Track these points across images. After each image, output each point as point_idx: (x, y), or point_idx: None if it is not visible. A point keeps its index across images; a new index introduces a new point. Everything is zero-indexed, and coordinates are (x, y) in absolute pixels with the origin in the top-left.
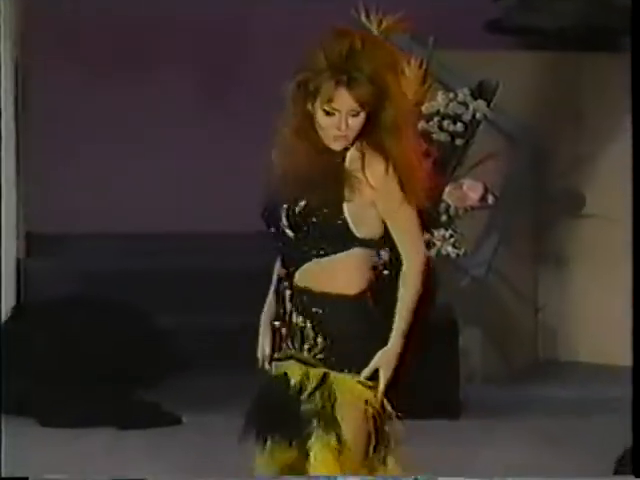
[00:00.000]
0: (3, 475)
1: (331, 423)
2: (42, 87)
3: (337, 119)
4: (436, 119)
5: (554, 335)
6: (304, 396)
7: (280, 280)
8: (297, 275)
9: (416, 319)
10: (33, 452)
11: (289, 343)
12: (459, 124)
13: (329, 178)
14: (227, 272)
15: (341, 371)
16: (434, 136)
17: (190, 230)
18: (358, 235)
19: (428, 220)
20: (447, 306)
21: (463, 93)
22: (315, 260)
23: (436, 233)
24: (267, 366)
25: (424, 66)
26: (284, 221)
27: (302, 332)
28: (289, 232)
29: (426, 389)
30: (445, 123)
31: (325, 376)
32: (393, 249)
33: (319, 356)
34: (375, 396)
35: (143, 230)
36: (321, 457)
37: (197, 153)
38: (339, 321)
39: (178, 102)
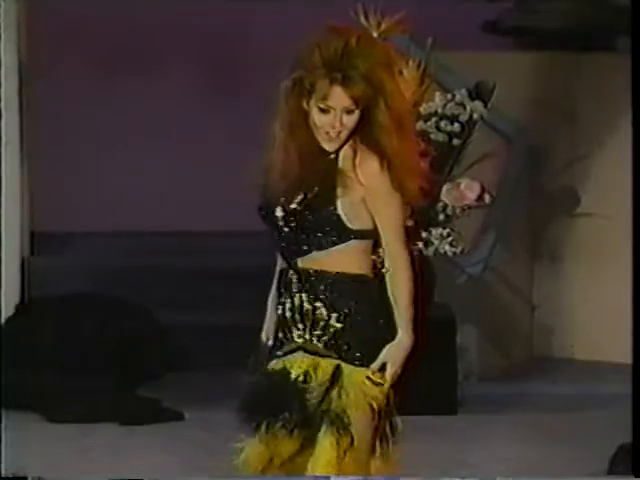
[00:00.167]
0: (7, 468)
1: (343, 422)
2: (46, 87)
3: (332, 116)
4: (434, 119)
5: (550, 332)
6: (312, 388)
7: (282, 272)
8: (300, 262)
9: (418, 314)
10: (38, 447)
11: (298, 331)
12: (456, 124)
13: (323, 175)
14: (230, 270)
15: (352, 362)
16: (432, 136)
17: (193, 228)
18: (353, 228)
19: (426, 219)
20: (444, 303)
21: (460, 94)
22: (314, 252)
23: (434, 231)
24: (272, 356)
25: (422, 67)
26: (280, 217)
27: (314, 315)
28: (285, 228)
29: (424, 385)
30: (443, 123)
31: (337, 368)
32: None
33: (330, 342)
34: (381, 392)
35: (146, 228)
36: (327, 456)
37: (199, 153)
38: (349, 297)
39: (181, 102)
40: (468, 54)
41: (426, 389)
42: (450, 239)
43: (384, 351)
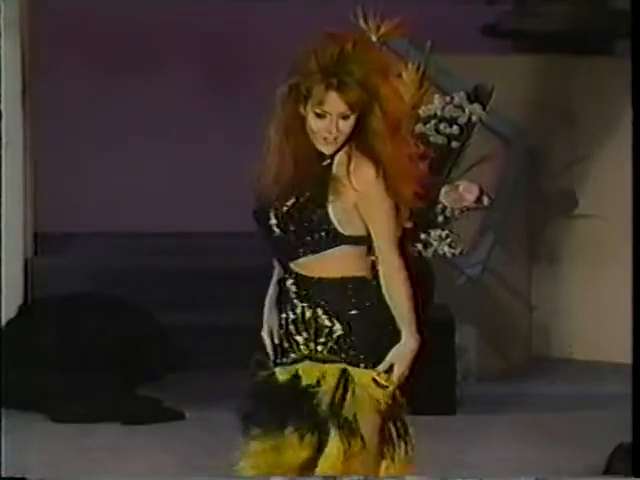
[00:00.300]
0: (8, 467)
1: (351, 425)
2: (48, 88)
3: (328, 122)
4: (433, 122)
5: (548, 333)
6: (321, 392)
7: (280, 282)
8: (295, 267)
9: (421, 316)
10: (40, 446)
11: (303, 340)
12: (455, 127)
13: (316, 180)
14: (230, 270)
15: (358, 364)
16: (431, 139)
17: (193, 229)
18: (345, 234)
19: (425, 221)
20: (443, 304)
21: (459, 97)
22: (306, 257)
23: (433, 233)
24: (277, 367)
25: (421, 70)
26: (273, 221)
27: (316, 323)
28: (279, 231)
29: (423, 386)
30: (442, 126)
31: (344, 372)
32: None
33: (335, 348)
34: (387, 394)
35: (147, 229)
36: (336, 459)
37: (199, 153)
38: (349, 301)
39: (181, 102)
40: (467, 57)
41: (425, 389)
42: (449, 241)
43: (391, 353)
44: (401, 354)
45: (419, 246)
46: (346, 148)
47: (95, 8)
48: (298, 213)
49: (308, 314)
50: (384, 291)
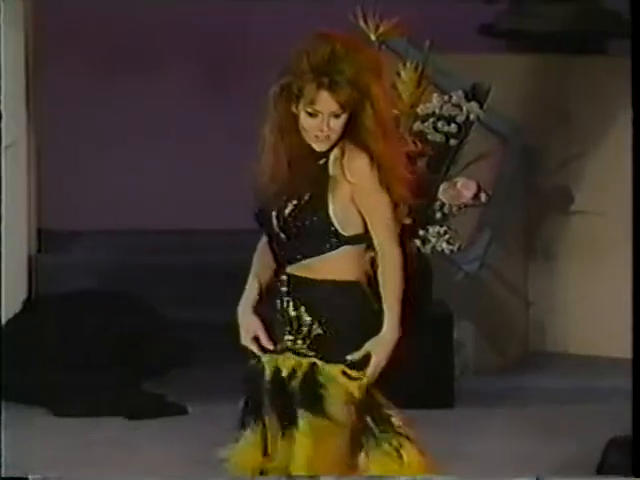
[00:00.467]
0: (10, 461)
1: (318, 410)
2: (51, 87)
3: (319, 120)
4: (431, 120)
5: (544, 328)
6: (293, 385)
7: (274, 274)
8: (291, 268)
9: (408, 309)
10: (44, 440)
11: (286, 333)
12: (453, 125)
13: (314, 181)
14: (232, 267)
15: (329, 361)
16: (429, 136)
17: (196, 227)
18: (345, 234)
19: (423, 217)
20: (441, 300)
21: (457, 95)
22: (308, 259)
23: (431, 229)
24: (262, 358)
25: (420, 69)
26: (275, 224)
27: (298, 321)
28: (281, 235)
29: (422, 380)
30: (440, 124)
31: (313, 366)
32: None
33: (312, 346)
34: (359, 387)
35: (150, 227)
36: (306, 446)
37: (200, 153)
38: (335, 307)
39: (181, 102)
40: (464, 56)
41: (423, 383)
42: (447, 237)
43: (369, 342)
44: (379, 343)
45: (417, 242)
46: (340, 144)
47: (95, 8)
48: (300, 216)
49: (292, 311)
50: (379, 280)
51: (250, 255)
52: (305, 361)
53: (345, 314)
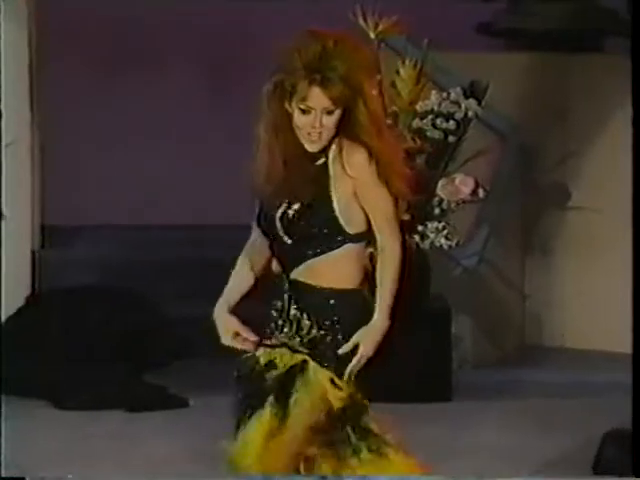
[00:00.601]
0: (13, 454)
1: (286, 409)
2: (55, 85)
3: (312, 117)
4: (430, 117)
5: (541, 322)
6: (274, 374)
7: (274, 276)
8: (293, 272)
9: (400, 301)
10: (46, 433)
11: (284, 330)
12: (452, 122)
13: (314, 181)
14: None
15: (321, 364)
16: (428, 133)
17: (199, 222)
18: (349, 231)
19: (422, 213)
20: (440, 295)
21: (456, 92)
22: (311, 260)
23: (430, 225)
24: (257, 352)
25: (418, 67)
26: (279, 227)
27: (298, 324)
28: (286, 238)
29: (420, 373)
30: (438, 121)
31: (304, 363)
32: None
33: (308, 345)
34: (340, 399)
35: (153, 222)
36: (259, 430)
37: (201, 153)
38: (332, 312)
39: (181, 102)
40: (463, 54)
41: (422, 377)
42: (445, 232)
43: (359, 332)
44: (369, 333)
45: (416, 238)
46: (337, 141)
47: (95, 8)
48: (304, 215)
49: (292, 312)
50: (377, 271)
51: None
52: (298, 356)
53: (345, 322)
